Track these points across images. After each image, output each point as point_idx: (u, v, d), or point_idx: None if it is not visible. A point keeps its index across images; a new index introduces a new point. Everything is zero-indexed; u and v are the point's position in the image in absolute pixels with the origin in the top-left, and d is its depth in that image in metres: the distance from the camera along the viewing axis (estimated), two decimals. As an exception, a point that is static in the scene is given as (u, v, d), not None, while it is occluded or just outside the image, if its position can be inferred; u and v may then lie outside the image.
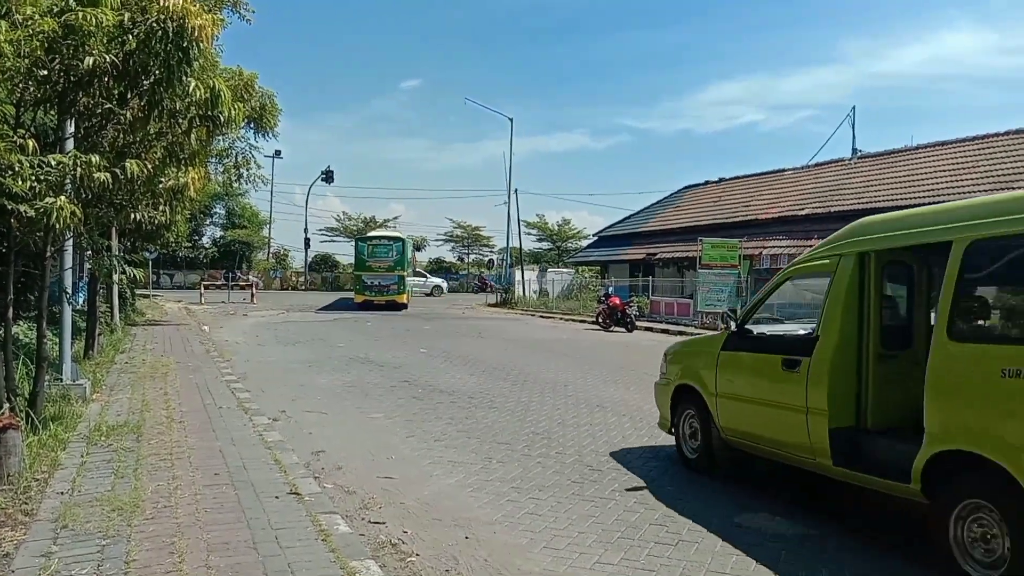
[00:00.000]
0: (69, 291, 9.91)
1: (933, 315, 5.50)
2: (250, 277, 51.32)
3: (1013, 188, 22.41)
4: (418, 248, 64.98)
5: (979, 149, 26.84)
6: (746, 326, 6.94)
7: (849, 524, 5.74)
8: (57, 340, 10.08)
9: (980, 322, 5.01)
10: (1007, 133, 26.80)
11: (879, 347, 5.79)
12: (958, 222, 5.00)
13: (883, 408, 5.70)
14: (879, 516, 5.93)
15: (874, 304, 5.82)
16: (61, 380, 9.44)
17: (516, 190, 46.43)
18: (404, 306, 35.85)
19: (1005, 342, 4.66)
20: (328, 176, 61.53)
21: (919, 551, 5.03)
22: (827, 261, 6.21)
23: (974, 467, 4.56)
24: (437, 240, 77.32)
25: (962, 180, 25.07)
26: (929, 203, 24.18)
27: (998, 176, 24.00)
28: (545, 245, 75.00)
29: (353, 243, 44.41)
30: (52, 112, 8.02)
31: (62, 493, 5.68)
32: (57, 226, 6.55)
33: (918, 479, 4.85)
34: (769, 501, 6.31)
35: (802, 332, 6.54)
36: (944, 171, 26.44)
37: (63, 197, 6.47)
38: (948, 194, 24.46)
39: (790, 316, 7.78)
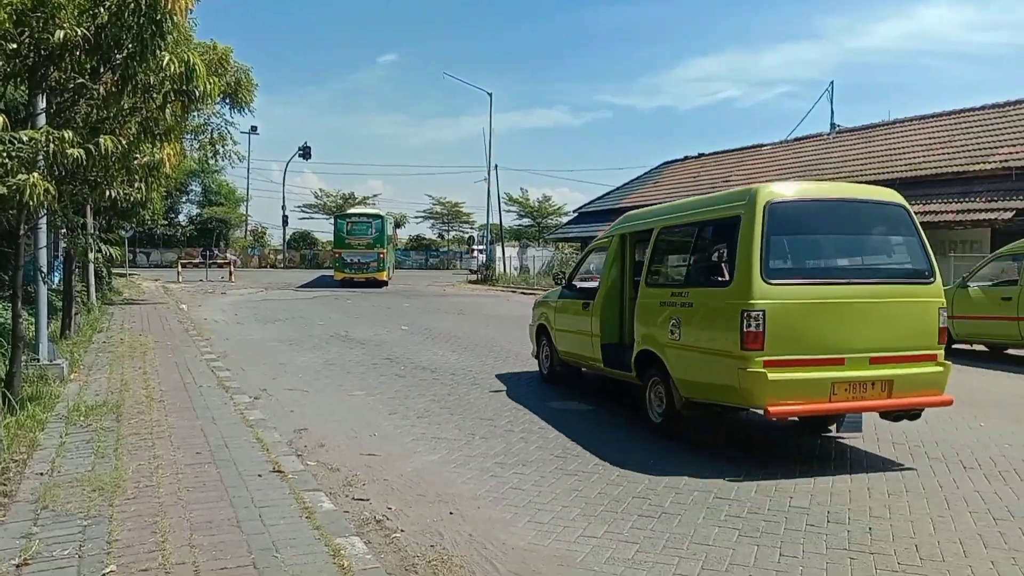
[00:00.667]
0: (44, 270, 9.77)
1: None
2: (228, 255, 50.95)
3: (988, 161, 22.65)
4: (399, 225, 64.71)
5: (955, 123, 27.00)
6: (572, 282, 10.48)
7: (615, 403, 9.52)
8: (33, 320, 9.95)
9: (656, 276, 8.15)
10: (983, 107, 26.98)
11: (631, 293, 8.93)
12: (656, 217, 8.70)
13: (631, 330, 8.42)
14: (629, 398, 9.53)
15: (628, 266, 9.28)
16: (38, 360, 9.33)
17: (496, 166, 46.26)
18: (384, 283, 35.82)
19: (662, 286, 7.90)
20: (305, 152, 60.96)
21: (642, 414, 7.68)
22: (606, 240, 9.81)
23: (653, 359, 7.70)
24: (417, 217, 77.14)
25: (938, 154, 25.24)
26: (908, 177, 24.42)
27: (973, 149, 24.18)
28: (526, 222, 74.92)
29: (332, 220, 44.25)
30: (22, 87, 7.87)
31: (41, 474, 5.62)
32: (31, 204, 6.42)
33: (634, 368, 8.12)
34: (578, 394, 9.95)
35: (593, 285, 9.84)
36: (921, 145, 26.59)
37: (36, 174, 6.35)
38: (926, 167, 24.67)
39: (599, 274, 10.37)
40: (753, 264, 6.48)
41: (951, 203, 22.43)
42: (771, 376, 6.31)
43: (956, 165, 23.90)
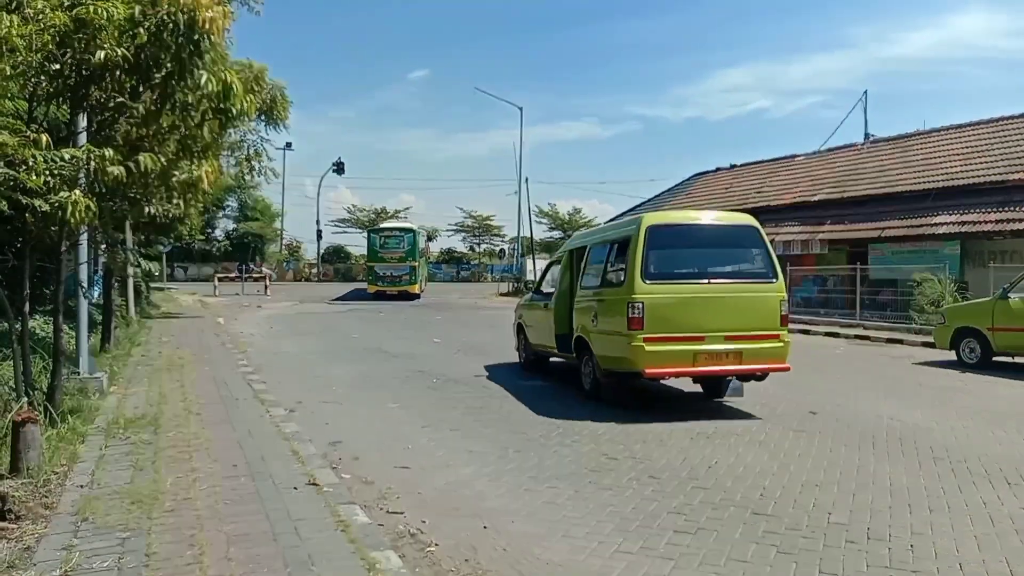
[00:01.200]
0: (84, 285, 9.95)
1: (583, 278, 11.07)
2: (263, 269, 51.43)
3: (1029, 171, 22.21)
4: (430, 239, 65.06)
5: (993, 132, 26.50)
6: (540, 289, 13.55)
7: (565, 380, 12.18)
8: (73, 334, 10.13)
9: (586, 281, 10.80)
10: (1021, 116, 26.45)
11: (577, 294, 11.07)
12: (588, 237, 12.05)
13: (572, 323, 11.00)
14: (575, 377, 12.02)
15: (574, 274, 11.68)
16: (78, 374, 9.49)
17: (527, 179, 46.39)
18: (417, 296, 36.02)
19: (589, 288, 10.53)
20: (339, 168, 61.47)
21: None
22: (561, 255, 13.00)
23: (584, 343, 10.29)
24: (448, 230, 77.26)
25: (975, 163, 24.81)
26: (944, 186, 24.08)
27: (1013, 159, 23.73)
28: (556, 234, 74.78)
29: (365, 234, 44.81)
30: (64, 106, 8.01)
31: (82, 486, 5.71)
32: (72, 220, 6.53)
33: (573, 350, 10.85)
34: (540, 375, 12.73)
35: (552, 290, 12.59)
36: (958, 155, 26.14)
37: (77, 191, 6.47)
38: (962, 177, 24.28)
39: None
40: (636, 270, 9.14)
41: (990, 212, 22.02)
42: (648, 348, 8.97)
43: (995, 174, 23.46)
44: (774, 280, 9.50)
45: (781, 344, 9.32)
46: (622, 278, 9.42)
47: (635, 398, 10.09)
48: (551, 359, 12.93)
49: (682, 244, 9.74)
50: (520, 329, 13.82)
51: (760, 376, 9.65)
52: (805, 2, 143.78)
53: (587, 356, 10.29)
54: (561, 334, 11.57)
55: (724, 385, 10.08)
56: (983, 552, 4.93)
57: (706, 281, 9.41)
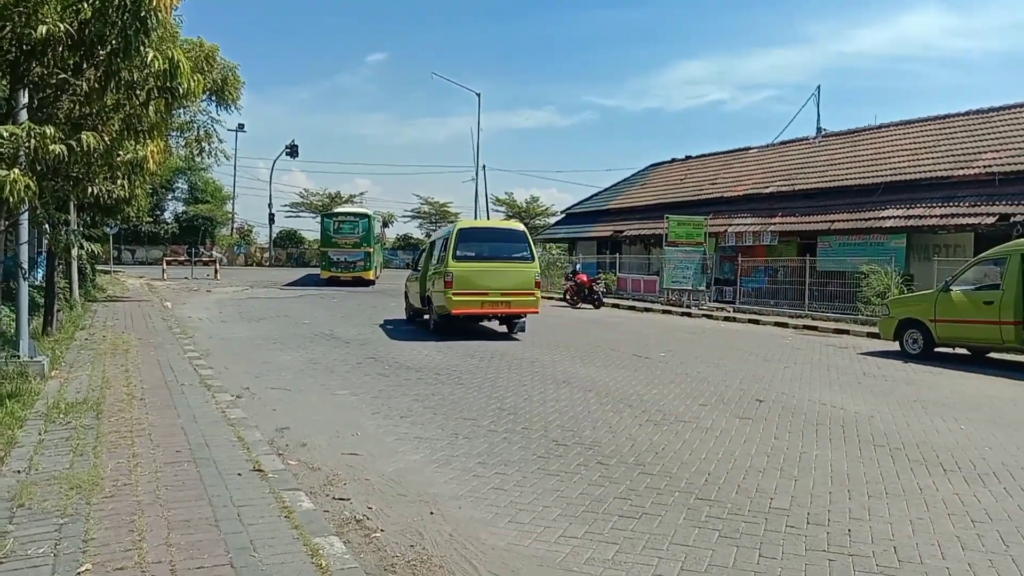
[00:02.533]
0: (25, 266, 9.69)
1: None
2: (213, 253, 50.59)
3: (972, 166, 22.85)
4: (386, 224, 64.55)
5: (939, 128, 27.19)
6: (416, 267, 19.23)
7: (423, 325, 19.80)
8: (13, 316, 9.87)
9: (431, 262, 17.33)
10: (967, 113, 27.20)
11: (429, 270, 17.26)
12: (436, 235, 19.27)
13: (426, 287, 17.27)
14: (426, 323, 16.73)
15: (428, 258, 17.88)
16: (18, 357, 9.24)
17: (484, 166, 46.47)
18: (372, 282, 35.77)
19: (433, 266, 17.05)
20: (292, 150, 60.63)
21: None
22: (425, 246, 19.69)
23: (429, 299, 16.85)
24: (404, 216, 76.81)
25: (923, 159, 25.43)
26: (893, 181, 24.65)
27: (958, 154, 24.37)
28: (513, 222, 74.83)
29: (319, 219, 43.95)
30: (3, 82, 7.78)
31: (19, 472, 5.57)
32: (11, 200, 6.35)
33: (427, 305, 17.10)
34: (414, 324, 19.65)
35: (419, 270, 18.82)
36: (906, 150, 26.75)
37: (16, 170, 6.30)
38: (911, 172, 24.86)
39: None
40: (451, 254, 15.57)
41: (935, 207, 22.58)
42: (455, 299, 15.45)
43: (941, 169, 24.07)
44: (532, 262, 16.36)
45: (534, 299, 16.15)
46: (445, 259, 15.75)
47: (457, 330, 16.52)
48: (422, 315, 18.37)
49: (479, 239, 16.33)
50: (405, 295, 20.48)
51: (521, 316, 16.45)
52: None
53: (431, 307, 16.75)
54: (421, 296, 17.80)
55: (513, 326, 16.65)
56: (917, 536, 5.08)
57: (490, 261, 15.90)
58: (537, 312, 16.39)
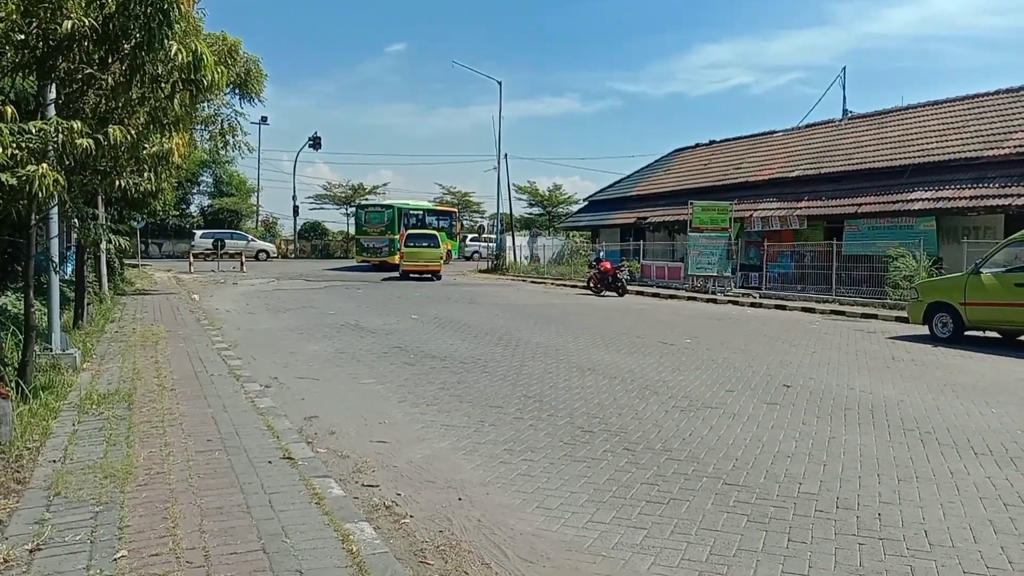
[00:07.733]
0: (56, 261, 9.81)
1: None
2: (252, 242, 51.18)
3: (1003, 147, 22.44)
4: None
5: (968, 108, 26.72)
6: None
7: (409, 279, 22.14)
8: (45, 310, 10.01)
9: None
10: (996, 92, 26.67)
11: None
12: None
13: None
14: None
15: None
16: (51, 350, 9.39)
17: (506, 155, 46.28)
18: (396, 267, 36.71)
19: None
20: (315, 142, 60.79)
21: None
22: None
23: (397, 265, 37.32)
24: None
25: (951, 139, 25.02)
26: (919, 163, 24.34)
27: (987, 135, 23.94)
28: (536, 211, 74.63)
29: (342, 210, 48.02)
30: (31, 78, 7.87)
31: (54, 461, 5.67)
32: (40, 194, 6.42)
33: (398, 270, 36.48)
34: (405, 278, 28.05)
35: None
36: (934, 131, 26.33)
37: (45, 164, 6.35)
38: (939, 153, 24.48)
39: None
40: (396, 231, 37.96)
41: (964, 189, 22.25)
42: (404, 265, 33.69)
43: (970, 150, 23.67)
44: (447, 240, 39.04)
45: (439, 263, 33.44)
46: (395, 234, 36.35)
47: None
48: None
49: (415, 223, 38.23)
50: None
51: (435, 274, 33.26)
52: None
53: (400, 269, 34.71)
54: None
55: (435, 278, 31.88)
56: (948, 519, 5.03)
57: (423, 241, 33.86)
58: (438, 269, 33.61)
